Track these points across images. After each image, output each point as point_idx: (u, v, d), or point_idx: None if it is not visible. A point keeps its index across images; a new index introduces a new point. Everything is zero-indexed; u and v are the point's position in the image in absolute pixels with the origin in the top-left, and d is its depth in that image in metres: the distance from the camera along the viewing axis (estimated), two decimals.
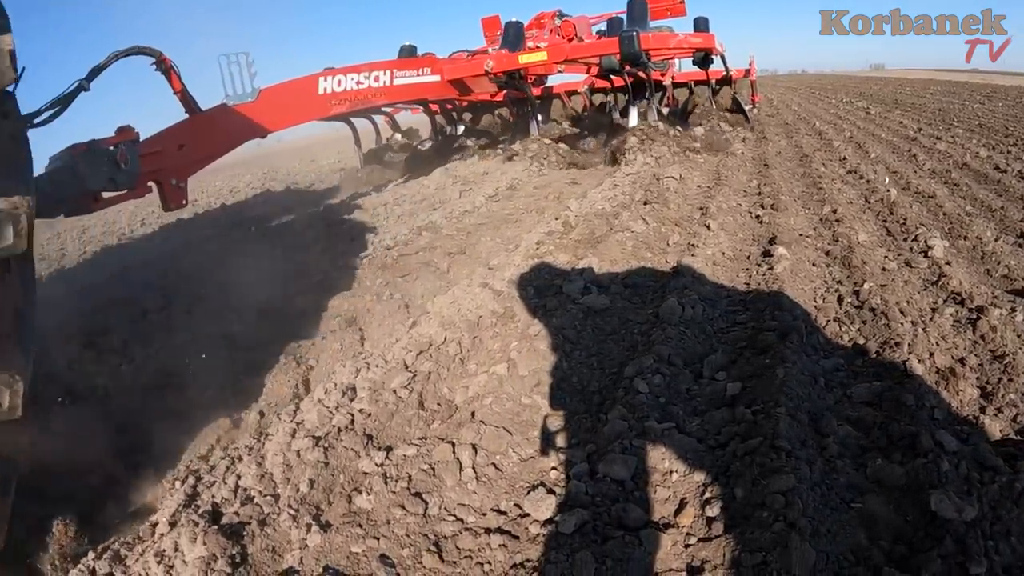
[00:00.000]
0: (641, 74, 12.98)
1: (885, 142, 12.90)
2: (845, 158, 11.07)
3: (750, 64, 16.79)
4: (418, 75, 12.23)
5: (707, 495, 2.66)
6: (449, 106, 16.89)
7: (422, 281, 6.27)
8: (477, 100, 16.49)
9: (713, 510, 2.56)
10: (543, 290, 4.90)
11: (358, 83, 10.83)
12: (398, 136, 18.16)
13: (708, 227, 6.34)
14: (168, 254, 9.27)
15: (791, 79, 65.47)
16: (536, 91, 16.67)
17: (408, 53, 13.22)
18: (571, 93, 17.51)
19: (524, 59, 12.19)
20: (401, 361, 4.27)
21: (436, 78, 12.70)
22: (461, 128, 17.53)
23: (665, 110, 15.49)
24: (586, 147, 13.93)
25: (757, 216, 7.14)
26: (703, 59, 14.77)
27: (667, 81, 16.44)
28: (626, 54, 11.59)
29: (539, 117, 14.98)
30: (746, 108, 16.45)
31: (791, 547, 2.18)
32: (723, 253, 5.79)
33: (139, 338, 5.49)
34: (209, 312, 5.94)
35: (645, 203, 7.60)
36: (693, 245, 5.87)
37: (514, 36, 13.55)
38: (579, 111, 17.37)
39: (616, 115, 15.48)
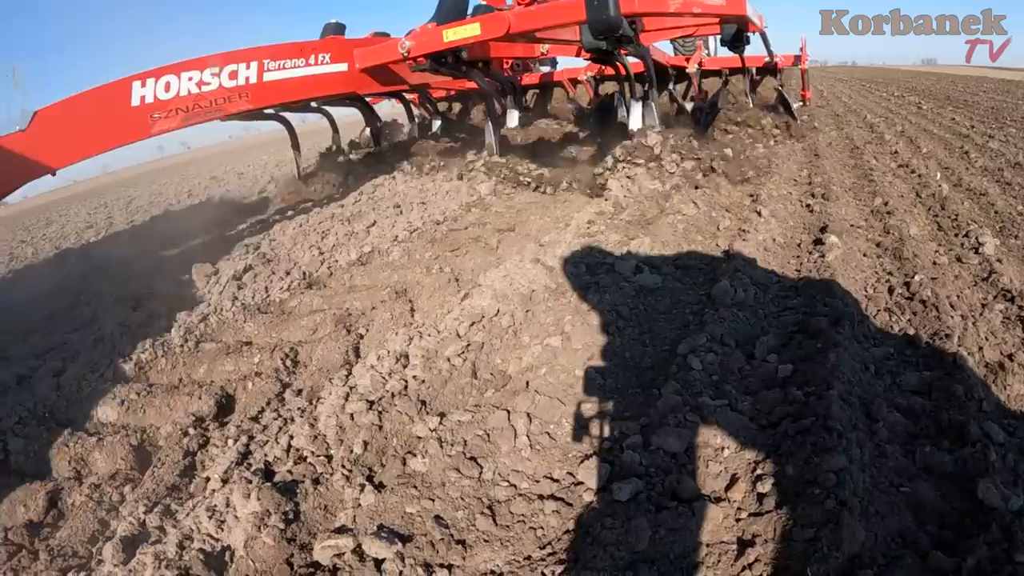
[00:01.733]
0: (629, 55, 8.83)
1: (937, 138, 12.60)
2: (896, 152, 10.87)
3: (801, 49, 13.17)
4: (310, 65, 8.75)
5: (758, 471, 2.68)
6: (445, 92, 14.46)
7: (471, 256, 6.32)
8: (457, 88, 13.74)
9: (764, 486, 2.59)
10: (595, 268, 4.92)
11: (200, 85, 7.46)
12: (369, 132, 15.03)
13: (759, 213, 6.30)
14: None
15: (841, 70, 64.08)
16: (532, 78, 14.65)
17: (335, 32, 10.09)
18: (575, 81, 14.66)
19: (450, 35, 8.08)
20: (454, 331, 4.31)
21: (342, 67, 9.17)
22: (437, 123, 14.48)
23: (689, 105, 12.44)
24: (573, 155, 10.24)
25: (808, 205, 7.07)
26: (734, 37, 10.89)
27: (692, 68, 13.00)
28: (595, 22, 7.41)
29: (505, 114, 11.96)
30: (794, 105, 12.93)
31: (842, 524, 2.20)
32: (774, 240, 5.75)
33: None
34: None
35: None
36: (744, 231, 5.85)
37: (451, 5, 9.03)
38: (583, 104, 14.34)
39: (622, 111, 12.13)
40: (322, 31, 10.04)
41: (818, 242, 5.47)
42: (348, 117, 14.24)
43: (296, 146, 12.65)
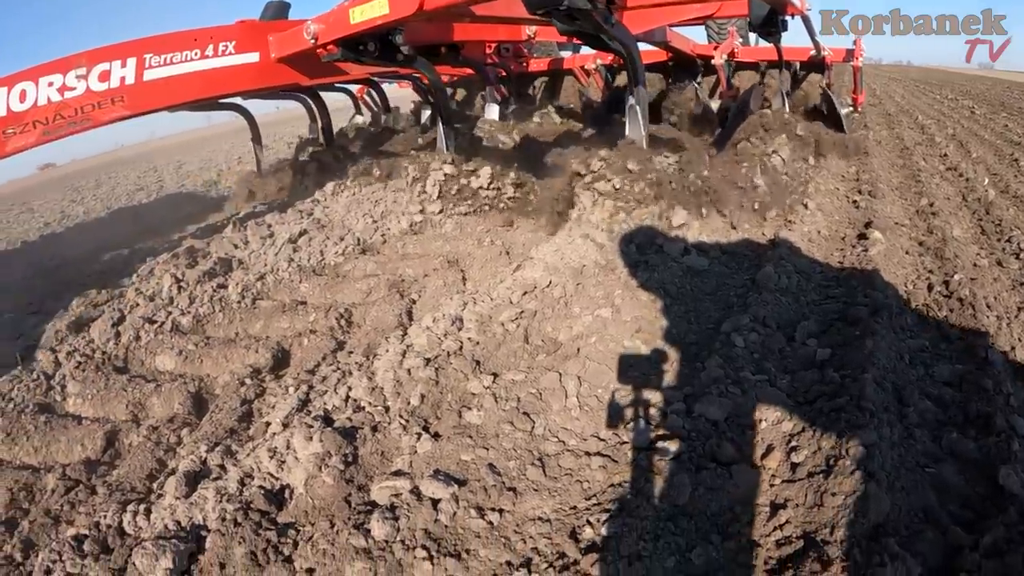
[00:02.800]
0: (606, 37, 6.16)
1: (988, 143, 12.44)
2: (946, 154, 10.79)
3: (855, 43, 10.89)
4: (208, 57, 7.02)
5: (793, 443, 2.85)
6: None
7: (522, 231, 6.49)
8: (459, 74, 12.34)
9: (798, 457, 2.75)
10: (644, 247, 5.06)
11: (63, 91, 6.12)
12: (359, 119, 14.28)
13: (805, 206, 6.39)
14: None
15: (895, 70, 62.69)
16: (540, 64, 12.72)
17: (276, 15, 8.08)
18: (586, 71, 12.73)
19: (357, 16, 6.15)
20: (507, 299, 4.47)
21: (251, 58, 7.36)
22: (427, 113, 12.64)
23: (716, 104, 10.75)
24: (558, 161, 6.99)
25: (854, 201, 7.12)
26: (766, 20, 8.78)
27: (718, 59, 10.60)
28: None
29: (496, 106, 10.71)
30: (842, 110, 10.56)
31: (869, 494, 2.36)
32: (819, 232, 5.84)
33: None
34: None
35: None
36: (790, 221, 5.94)
37: None
38: (593, 96, 12.66)
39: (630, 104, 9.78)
40: (262, 12, 8.19)
41: (862, 237, 5.56)
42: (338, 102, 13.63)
43: (257, 138, 11.61)
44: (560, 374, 3.49)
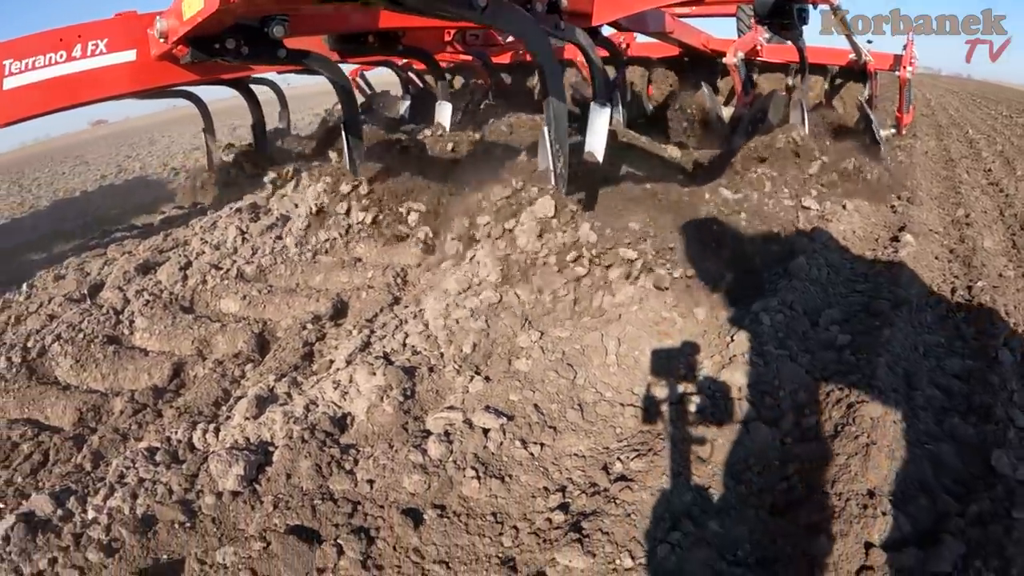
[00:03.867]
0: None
1: None
2: (990, 170, 10.80)
3: (905, 49, 9.25)
4: (77, 59, 5.84)
5: (805, 411, 3.14)
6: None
7: None
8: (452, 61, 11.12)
9: (809, 422, 3.05)
10: None
11: None
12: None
13: (844, 207, 6.57)
14: None
15: (953, 82, 61.19)
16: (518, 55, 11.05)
17: None
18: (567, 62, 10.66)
19: (187, 11, 4.51)
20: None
21: (128, 56, 6.11)
22: (405, 105, 11.34)
23: (727, 112, 9.42)
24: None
25: (892, 206, 7.28)
26: (776, 10, 7.06)
27: (731, 58, 8.69)
28: None
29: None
30: (881, 132, 8.61)
31: (871, 456, 2.65)
32: (854, 231, 6.04)
33: None
34: None
35: None
36: (827, 219, 6.15)
37: None
38: (587, 92, 10.15)
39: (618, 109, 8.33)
40: None
41: (895, 239, 5.76)
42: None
43: (209, 128, 10.18)
44: (602, 335, 3.81)
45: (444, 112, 8.66)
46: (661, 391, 3.37)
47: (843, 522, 2.42)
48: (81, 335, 4.67)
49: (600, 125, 5.22)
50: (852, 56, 9.18)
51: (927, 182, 9.13)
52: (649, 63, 10.98)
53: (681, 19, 8.87)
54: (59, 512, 2.91)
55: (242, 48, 5.01)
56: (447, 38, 9.50)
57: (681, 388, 3.35)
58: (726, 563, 2.38)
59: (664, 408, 3.24)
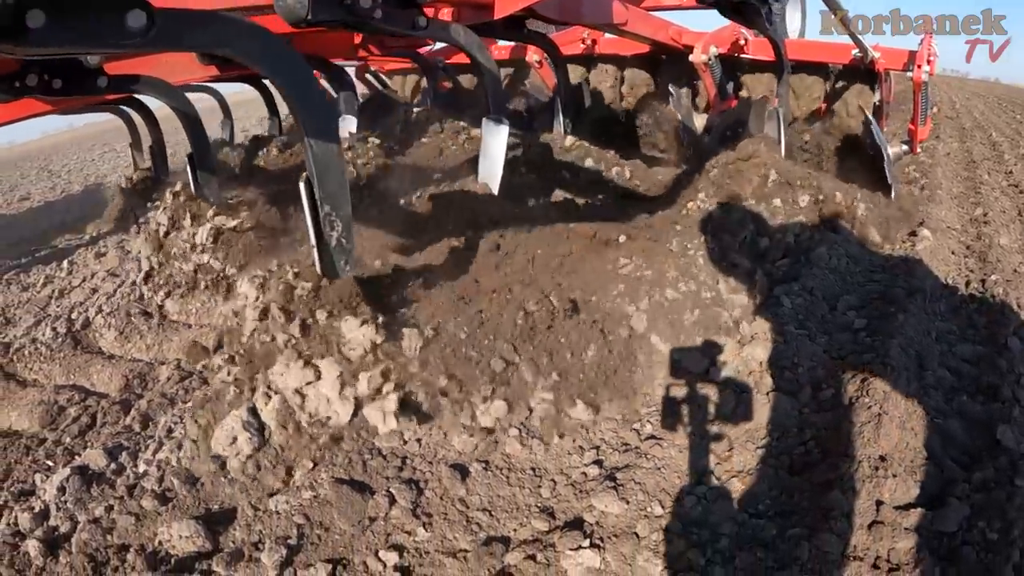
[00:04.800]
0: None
1: None
2: (1012, 172, 10.87)
3: (922, 47, 7.08)
4: None
5: (822, 385, 3.34)
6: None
7: None
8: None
9: (824, 395, 3.24)
10: None
11: None
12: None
13: None
14: None
15: (980, 85, 60.32)
16: (500, 54, 8.90)
17: None
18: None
19: None
20: None
21: None
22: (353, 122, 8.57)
23: (702, 120, 7.68)
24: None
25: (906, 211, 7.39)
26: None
27: (703, 56, 7.09)
28: None
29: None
30: (889, 150, 6.59)
31: (882, 425, 2.85)
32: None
33: None
34: None
35: None
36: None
37: None
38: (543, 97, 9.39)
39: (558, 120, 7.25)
40: None
41: (912, 233, 5.91)
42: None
43: (136, 143, 9.30)
44: (649, 298, 3.97)
45: (349, 126, 7.64)
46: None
47: (856, 481, 2.62)
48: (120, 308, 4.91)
49: (495, 147, 4.55)
50: (856, 53, 7.27)
51: (948, 183, 9.21)
52: (622, 62, 9.10)
53: (649, 10, 7.24)
54: (112, 466, 3.16)
55: (53, 82, 4.21)
56: (356, 40, 7.45)
57: (707, 361, 3.57)
58: (747, 515, 2.60)
59: (691, 379, 3.47)
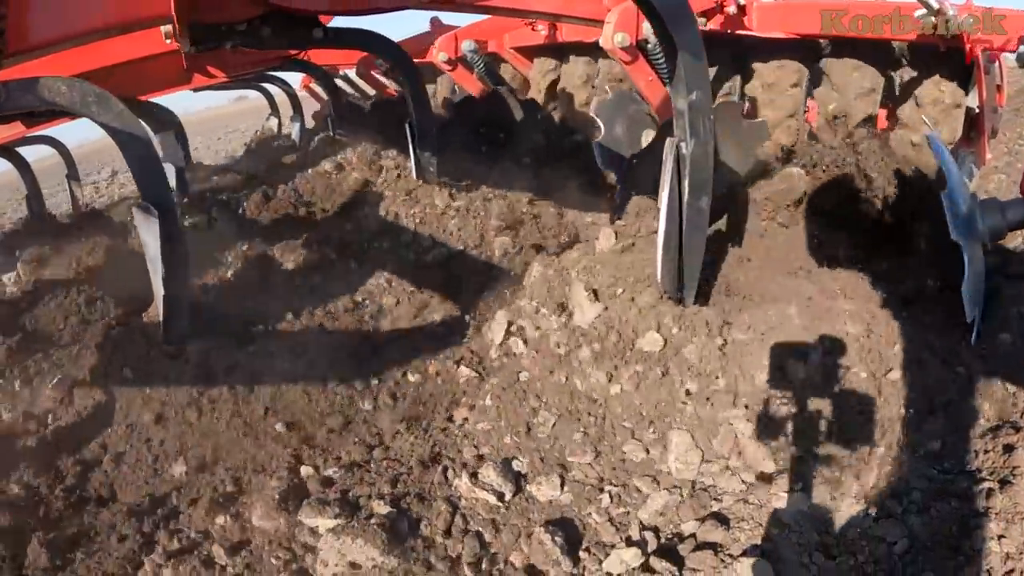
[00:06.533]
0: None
1: None
2: None
3: None
4: None
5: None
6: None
7: None
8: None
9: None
10: None
11: None
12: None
13: None
14: None
15: None
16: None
17: None
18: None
19: None
20: None
21: None
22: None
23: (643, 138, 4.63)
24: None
25: None
26: None
27: (443, 56, 6.08)
28: None
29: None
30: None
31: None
32: None
33: None
34: None
35: None
36: None
37: None
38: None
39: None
40: None
41: None
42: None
43: (74, 175, 7.82)
44: None
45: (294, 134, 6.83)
46: None
47: None
48: None
49: (153, 251, 2.96)
50: (923, 15, 3.97)
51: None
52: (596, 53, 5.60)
53: None
54: None
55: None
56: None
57: None
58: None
59: None
